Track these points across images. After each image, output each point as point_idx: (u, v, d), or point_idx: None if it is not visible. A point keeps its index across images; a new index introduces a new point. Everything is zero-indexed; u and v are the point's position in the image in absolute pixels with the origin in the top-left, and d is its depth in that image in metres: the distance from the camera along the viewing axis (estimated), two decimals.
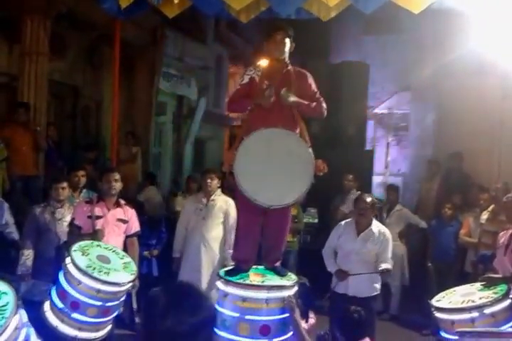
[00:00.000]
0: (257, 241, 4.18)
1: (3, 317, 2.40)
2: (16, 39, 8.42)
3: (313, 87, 4.12)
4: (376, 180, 10.06)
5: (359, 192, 8.16)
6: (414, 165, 11.67)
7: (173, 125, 13.56)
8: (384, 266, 5.37)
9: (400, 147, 12.19)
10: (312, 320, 4.89)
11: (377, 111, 11.79)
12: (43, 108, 8.35)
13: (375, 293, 5.59)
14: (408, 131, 11.96)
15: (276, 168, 3.79)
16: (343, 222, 5.85)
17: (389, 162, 11.06)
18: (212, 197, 6.26)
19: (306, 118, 4.18)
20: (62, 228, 5.58)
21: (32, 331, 2.57)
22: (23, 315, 2.54)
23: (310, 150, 3.87)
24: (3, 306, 2.47)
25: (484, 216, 6.91)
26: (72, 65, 10.24)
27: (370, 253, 5.52)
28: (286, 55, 4.01)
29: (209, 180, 6.26)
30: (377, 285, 5.58)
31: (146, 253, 6.62)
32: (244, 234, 4.19)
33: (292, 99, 3.89)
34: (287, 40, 3.96)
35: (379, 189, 10.31)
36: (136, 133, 10.77)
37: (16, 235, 6.05)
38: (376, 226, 5.67)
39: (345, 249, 5.58)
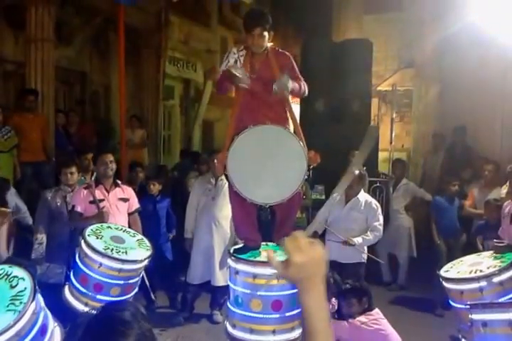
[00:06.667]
0: (254, 220, 4.19)
1: (21, 303, 2.44)
2: (21, 26, 8.43)
3: (295, 67, 4.05)
4: (381, 155, 10.13)
5: (365, 167, 8.30)
6: (417, 141, 11.78)
7: (181, 108, 13.68)
8: (355, 239, 5.70)
9: (404, 123, 12.24)
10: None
11: (380, 88, 11.81)
12: (51, 94, 8.39)
13: (358, 261, 5.87)
14: (411, 107, 12.01)
15: (269, 165, 3.79)
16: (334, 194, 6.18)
17: (393, 138, 11.09)
18: (220, 177, 6.22)
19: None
20: None
21: (49, 314, 2.63)
22: (40, 300, 2.59)
23: (301, 143, 3.84)
24: (21, 291, 2.50)
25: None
26: (79, 51, 10.35)
27: (356, 221, 5.92)
28: (265, 46, 3.95)
29: (216, 161, 6.30)
30: (363, 254, 5.91)
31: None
32: (240, 214, 4.17)
33: (290, 85, 3.77)
34: (265, 34, 3.87)
35: (384, 164, 10.39)
36: (142, 117, 10.83)
37: (29, 220, 6.13)
38: (363, 196, 6.07)
39: (334, 216, 6.00)
